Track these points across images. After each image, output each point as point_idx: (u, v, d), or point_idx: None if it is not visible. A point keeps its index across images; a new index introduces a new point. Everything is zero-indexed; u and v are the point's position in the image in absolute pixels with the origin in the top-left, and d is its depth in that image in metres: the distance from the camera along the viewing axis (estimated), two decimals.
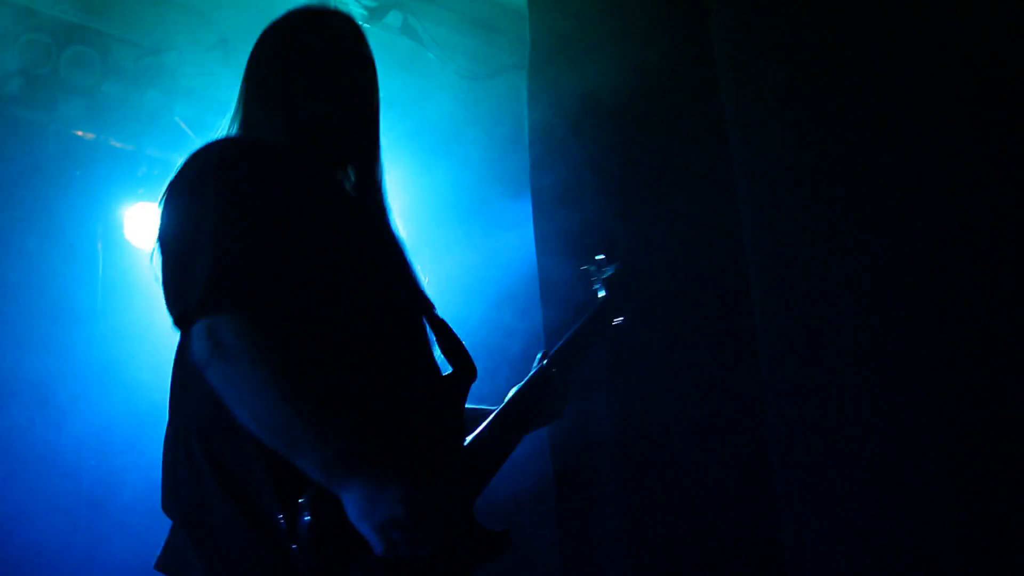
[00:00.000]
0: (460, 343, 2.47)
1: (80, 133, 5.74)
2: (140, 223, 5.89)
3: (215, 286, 2.02)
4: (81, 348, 5.39)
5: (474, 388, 2.52)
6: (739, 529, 3.61)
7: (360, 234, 2.32)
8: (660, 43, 3.88)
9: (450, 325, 2.50)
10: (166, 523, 2.23)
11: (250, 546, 1.97)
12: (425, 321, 2.43)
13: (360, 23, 2.61)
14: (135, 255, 5.76)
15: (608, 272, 3.04)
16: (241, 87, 2.55)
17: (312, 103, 2.41)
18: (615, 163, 3.99)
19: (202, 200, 2.14)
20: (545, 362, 2.73)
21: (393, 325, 2.25)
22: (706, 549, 3.65)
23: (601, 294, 3.06)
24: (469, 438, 2.46)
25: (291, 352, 2.01)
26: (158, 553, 2.18)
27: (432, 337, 2.43)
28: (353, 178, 2.52)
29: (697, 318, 3.62)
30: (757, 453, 3.48)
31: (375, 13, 5.51)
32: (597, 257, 3.08)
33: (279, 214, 2.14)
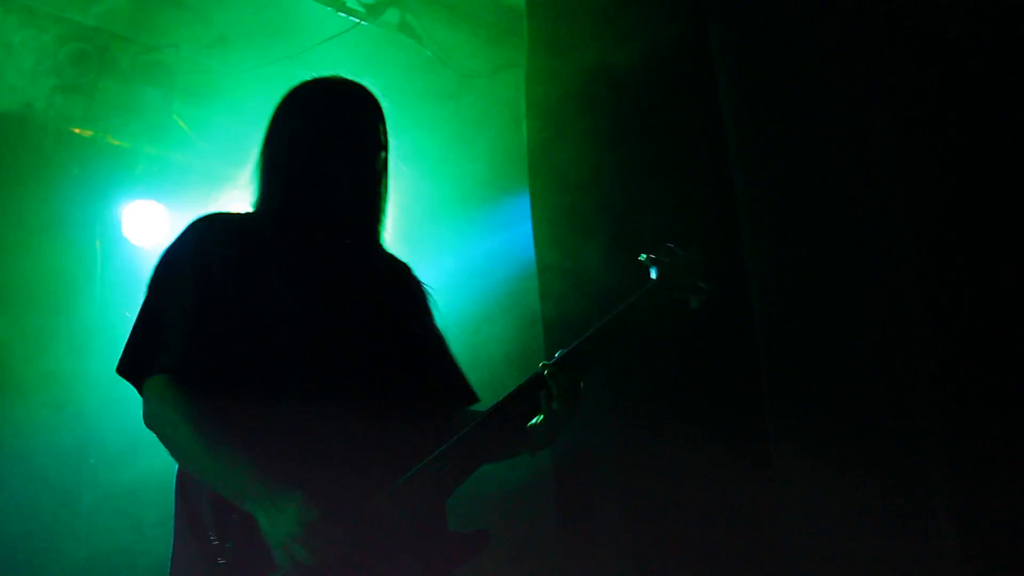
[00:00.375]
0: (450, 369, 2.70)
1: (78, 131, 5.74)
2: (138, 221, 5.89)
3: (132, 358, 2.49)
4: (80, 346, 5.38)
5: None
6: (739, 525, 3.61)
7: (308, 291, 2.50)
8: (671, 20, 3.86)
9: (445, 353, 2.73)
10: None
11: (194, 560, 2.35)
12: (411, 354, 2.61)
13: (367, 87, 2.72)
14: (134, 253, 5.75)
15: (679, 253, 2.87)
16: (259, 146, 2.70)
17: (313, 189, 2.58)
18: (618, 140, 3.96)
19: (150, 276, 2.56)
20: (540, 364, 2.61)
21: (319, 368, 2.45)
22: (706, 544, 3.65)
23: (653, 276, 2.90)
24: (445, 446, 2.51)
25: (204, 405, 2.38)
26: None
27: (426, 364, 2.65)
28: (346, 242, 2.66)
29: (695, 316, 3.61)
30: (758, 449, 3.47)
31: (373, 11, 5.52)
32: (667, 245, 2.91)
33: (204, 286, 2.46)
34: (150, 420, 2.45)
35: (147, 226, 5.90)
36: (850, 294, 3.18)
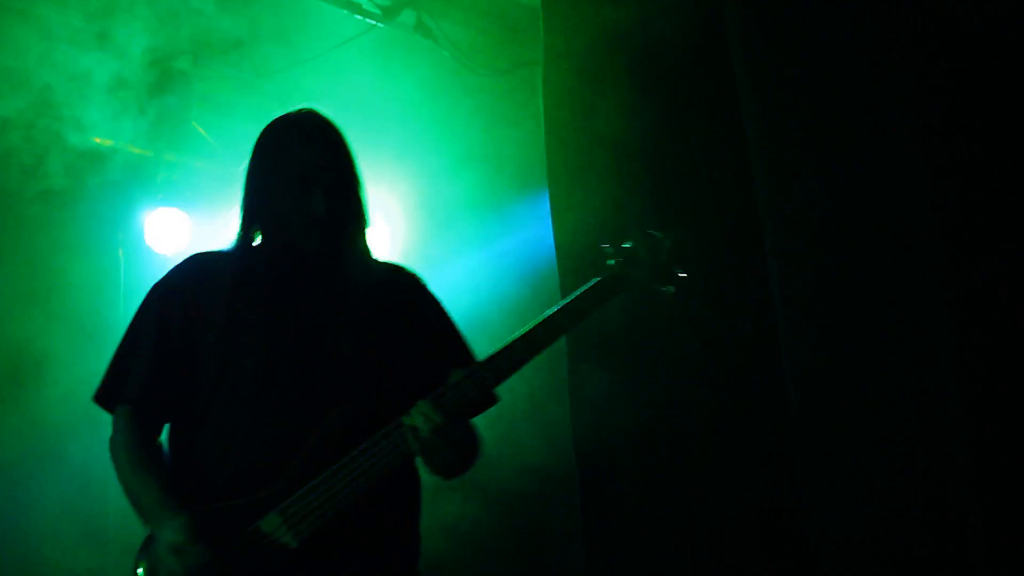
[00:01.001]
0: (348, 381, 2.69)
1: (98, 140, 5.76)
2: (161, 228, 5.91)
3: (104, 388, 2.79)
4: (105, 357, 5.40)
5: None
6: (763, 524, 3.59)
7: (242, 329, 2.68)
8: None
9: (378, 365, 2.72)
10: None
11: None
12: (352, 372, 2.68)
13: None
14: (156, 261, 5.78)
15: (657, 236, 2.84)
16: None
17: (269, 227, 2.77)
18: (638, 115, 3.91)
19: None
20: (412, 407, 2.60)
21: (234, 403, 2.64)
22: (729, 544, 3.63)
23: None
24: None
25: (145, 435, 2.71)
26: None
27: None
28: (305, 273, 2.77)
29: (718, 312, 3.58)
30: (780, 448, 3.45)
31: (389, 12, 5.52)
32: (647, 231, 2.87)
33: (165, 324, 2.73)
34: (109, 446, 2.74)
35: (169, 233, 5.93)
36: (873, 289, 3.14)
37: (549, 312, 2.70)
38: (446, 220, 5.59)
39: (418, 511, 2.77)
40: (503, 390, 2.68)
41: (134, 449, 2.68)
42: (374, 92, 5.37)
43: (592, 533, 4.08)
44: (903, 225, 3.06)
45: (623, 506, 3.93)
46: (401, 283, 2.89)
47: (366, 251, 2.82)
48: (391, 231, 5.86)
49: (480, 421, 2.74)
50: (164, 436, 2.77)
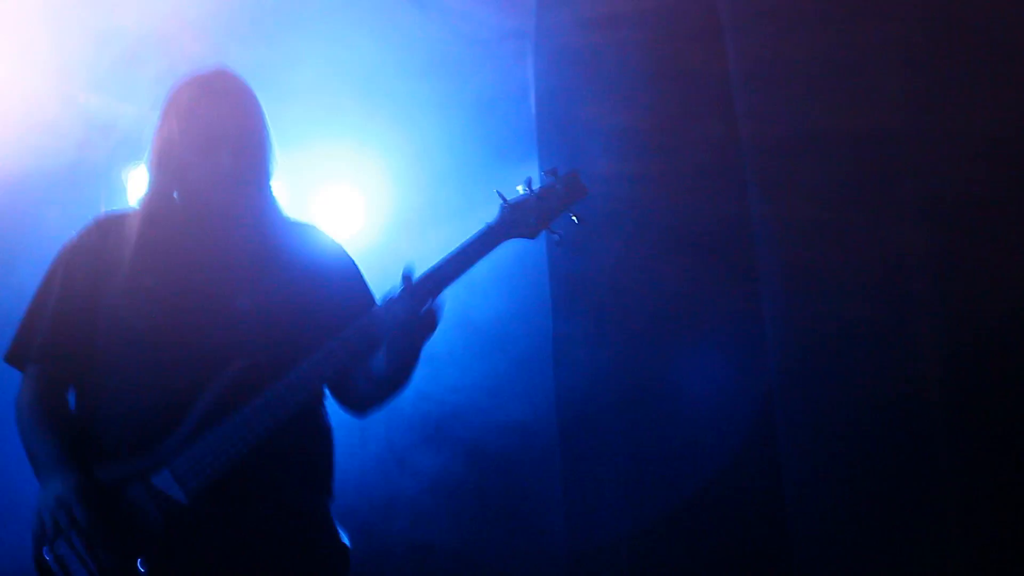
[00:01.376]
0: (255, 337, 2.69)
1: (82, 99, 5.73)
2: (143, 185, 5.89)
3: (14, 347, 2.82)
4: None
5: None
6: (744, 485, 3.62)
7: (137, 285, 2.72)
8: None
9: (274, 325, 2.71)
10: None
11: None
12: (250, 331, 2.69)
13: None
14: None
15: (552, 180, 2.81)
16: None
17: (174, 182, 2.82)
18: (630, 86, 3.91)
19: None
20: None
21: (127, 361, 2.67)
22: (709, 506, 3.67)
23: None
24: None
25: (47, 393, 2.73)
26: None
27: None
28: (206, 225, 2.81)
29: (704, 279, 3.60)
30: (766, 407, 3.47)
31: None
32: (543, 172, 2.84)
33: (70, 284, 2.77)
34: (15, 405, 2.76)
35: None
36: (860, 278, 3.16)
37: (438, 261, 2.71)
38: (434, 187, 5.59)
39: (328, 461, 2.77)
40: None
41: (35, 407, 2.71)
42: (363, 58, 5.36)
43: (571, 492, 4.10)
44: (891, 214, 3.08)
45: (603, 465, 3.96)
46: (308, 239, 2.92)
47: (274, 208, 2.87)
48: (378, 197, 5.88)
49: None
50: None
